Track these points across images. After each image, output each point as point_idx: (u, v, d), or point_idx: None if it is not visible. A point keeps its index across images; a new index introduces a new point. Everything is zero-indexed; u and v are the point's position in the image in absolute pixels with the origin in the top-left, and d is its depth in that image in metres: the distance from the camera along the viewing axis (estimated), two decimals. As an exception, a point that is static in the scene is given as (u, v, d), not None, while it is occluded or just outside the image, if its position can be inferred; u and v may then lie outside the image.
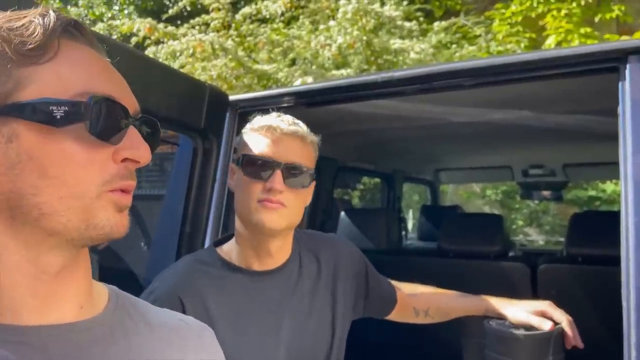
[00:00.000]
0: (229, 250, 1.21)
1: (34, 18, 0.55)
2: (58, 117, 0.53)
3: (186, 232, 1.56)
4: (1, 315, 0.55)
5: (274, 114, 1.19)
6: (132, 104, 0.60)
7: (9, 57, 0.53)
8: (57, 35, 0.56)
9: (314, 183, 1.20)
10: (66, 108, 0.53)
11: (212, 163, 1.61)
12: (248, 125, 1.20)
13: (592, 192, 8.65)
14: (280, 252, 1.20)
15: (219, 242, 1.26)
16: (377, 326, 1.52)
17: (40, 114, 0.53)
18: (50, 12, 0.57)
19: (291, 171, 1.12)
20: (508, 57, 1.37)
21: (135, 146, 0.58)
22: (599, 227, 2.22)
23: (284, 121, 1.15)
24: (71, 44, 0.57)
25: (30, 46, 0.53)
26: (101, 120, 0.54)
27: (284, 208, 1.11)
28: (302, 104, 1.62)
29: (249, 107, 1.68)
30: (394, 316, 1.45)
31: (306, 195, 1.19)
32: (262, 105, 1.69)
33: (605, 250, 2.09)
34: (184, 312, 1.07)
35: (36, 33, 0.54)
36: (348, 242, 1.43)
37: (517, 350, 1.37)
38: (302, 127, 1.16)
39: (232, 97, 1.68)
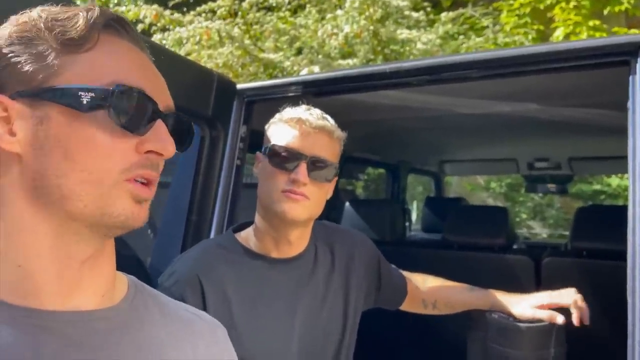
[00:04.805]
0: (248, 236, 1.22)
1: (80, 12, 0.58)
2: (84, 102, 0.55)
3: (192, 220, 1.57)
4: (24, 299, 0.56)
5: (303, 107, 1.20)
6: (163, 100, 0.61)
7: (50, 45, 0.56)
8: (99, 29, 0.58)
9: (336, 177, 1.22)
10: (92, 94, 0.55)
11: (219, 151, 1.61)
12: (277, 116, 1.21)
13: (597, 186, 8.63)
14: (299, 241, 1.22)
15: (237, 229, 1.27)
16: (382, 319, 1.53)
17: (69, 99, 0.55)
18: (97, 8, 0.59)
19: (316, 164, 1.14)
20: (517, 49, 1.37)
21: (160, 139, 0.58)
22: (604, 221, 2.21)
23: (314, 115, 1.16)
24: (112, 38, 0.60)
25: (69, 35, 0.56)
26: (124, 110, 0.56)
27: (307, 200, 1.13)
28: (309, 93, 1.62)
29: (256, 96, 1.68)
30: (403, 306, 1.47)
31: (328, 189, 1.21)
32: (269, 95, 1.69)
33: (610, 244, 2.09)
34: (202, 293, 1.09)
35: (78, 24, 0.57)
36: (362, 235, 1.44)
37: (519, 341, 1.37)
38: (330, 122, 1.18)
39: (239, 86, 1.68)
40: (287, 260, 1.20)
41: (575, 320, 1.35)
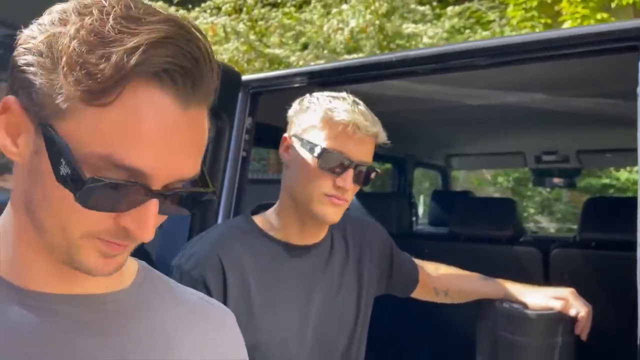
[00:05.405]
0: (266, 221, 1.21)
1: (120, 48, 0.47)
2: (61, 172, 0.49)
3: (198, 212, 1.57)
4: (30, 283, 0.56)
5: (350, 100, 1.13)
6: (172, 174, 0.52)
7: (64, 85, 0.48)
8: (130, 77, 0.48)
9: None
10: (68, 171, 0.49)
11: (224, 143, 1.61)
12: (324, 109, 1.12)
13: (606, 180, 8.57)
14: (322, 231, 1.23)
15: (254, 212, 1.26)
16: (390, 307, 1.52)
17: (55, 155, 0.49)
18: (141, 48, 0.47)
19: (360, 170, 1.12)
20: (524, 36, 1.35)
21: (140, 223, 0.52)
22: (613, 212, 2.20)
23: (369, 119, 1.11)
24: (144, 90, 0.49)
25: (87, 87, 0.47)
26: (95, 199, 0.49)
27: (346, 203, 1.14)
28: (315, 84, 1.61)
29: (262, 88, 1.68)
30: (414, 294, 1.47)
31: None
32: (275, 86, 1.69)
33: (619, 235, 2.07)
34: (223, 274, 1.08)
35: (103, 72, 0.47)
36: (375, 223, 1.44)
37: (527, 329, 1.37)
38: (380, 126, 1.14)
39: (244, 77, 1.68)
40: (305, 247, 1.20)
41: (576, 329, 1.36)
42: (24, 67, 0.50)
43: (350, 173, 1.10)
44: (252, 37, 6.46)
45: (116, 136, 0.48)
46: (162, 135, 0.50)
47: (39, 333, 0.54)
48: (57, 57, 0.48)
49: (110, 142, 0.48)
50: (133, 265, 0.67)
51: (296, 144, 1.16)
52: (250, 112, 1.67)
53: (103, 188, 0.49)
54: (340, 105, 1.11)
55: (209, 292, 1.04)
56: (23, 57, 0.51)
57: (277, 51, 6.26)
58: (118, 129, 0.48)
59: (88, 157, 0.49)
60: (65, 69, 0.48)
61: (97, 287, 0.60)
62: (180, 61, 0.49)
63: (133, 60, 0.47)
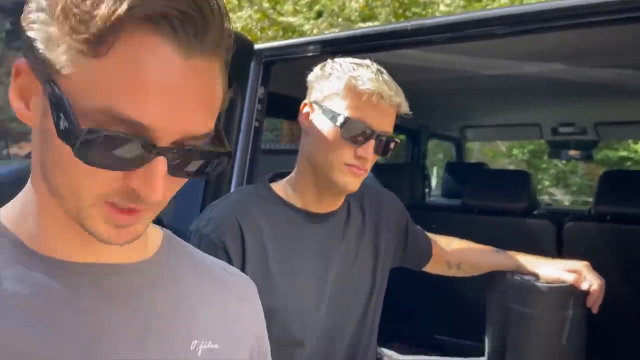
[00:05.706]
0: (284, 188, 1.21)
1: None
2: (60, 126, 0.48)
3: (211, 180, 1.58)
4: (55, 252, 0.56)
5: (372, 67, 1.11)
6: (173, 131, 0.49)
7: (61, 37, 0.47)
8: (121, 29, 0.45)
9: None
10: (66, 125, 0.47)
11: (237, 112, 1.60)
12: (348, 77, 1.09)
13: (624, 153, 8.44)
14: (339, 200, 1.23)
15: (271, 179, 1.25)
16: (401, 278, 1.53)
17: (56, 111, 0.48)
18: None
19: (381, 140, 1.11)
20: (543, 4, 1.31)
21: (147, 182, 0.49)
22: (629, 185, 2.17)
23: (392, 88, 1.09)
24: (142, 38, 0.46)
25: (81, 36, 0.46)
26: (94, 154, 0.47)
27: (366, 173, 1.14)
28: (328, 53, 1.59)
29: (275, 56, 1.66)
30: (427, 268, 1.47)
31: None
32: (288, 55, 1.66)
33: (635, 209, 2.05)
34: (242, 238, 1.08)
35: (95, 20, 0.45)
36: (391, 195, 1.44)
37: (538, 301, 1.37)
38: (402, 96, 1.12)
39: (257, 46, 1.66)
40: (323, 215, 1.20)
41: (588, 302, 1.36)
42: (30, 25, 0.50)
43: (371, 143, 1.09)
44: (266, 4, 6.37)
45: (114, 87, 0.46)
46: (162, 85, 0.47)
47: (63, 300, 0.54)
48: (54, 9, 0.47)
49: (108, 95, 0.46)
50: (157, 234, 0.66)
51: (317, 111, 1.14)
52: (262, 82, 1.65)
53: (101, 141, 0.47)
54: (365, 73, 1.09)
55: (228, 256, 1.05)
56: (28, 15, 0.50)
57: (291, 19, 6.18)
58: (116, 79, 0.46)
59: (88, 111, 0.47)
60: (60, 19, 0.46)
61: (122, 256, 0.59)
62: (179, 5, 0.46)
63: (126, 4, 0.44)
